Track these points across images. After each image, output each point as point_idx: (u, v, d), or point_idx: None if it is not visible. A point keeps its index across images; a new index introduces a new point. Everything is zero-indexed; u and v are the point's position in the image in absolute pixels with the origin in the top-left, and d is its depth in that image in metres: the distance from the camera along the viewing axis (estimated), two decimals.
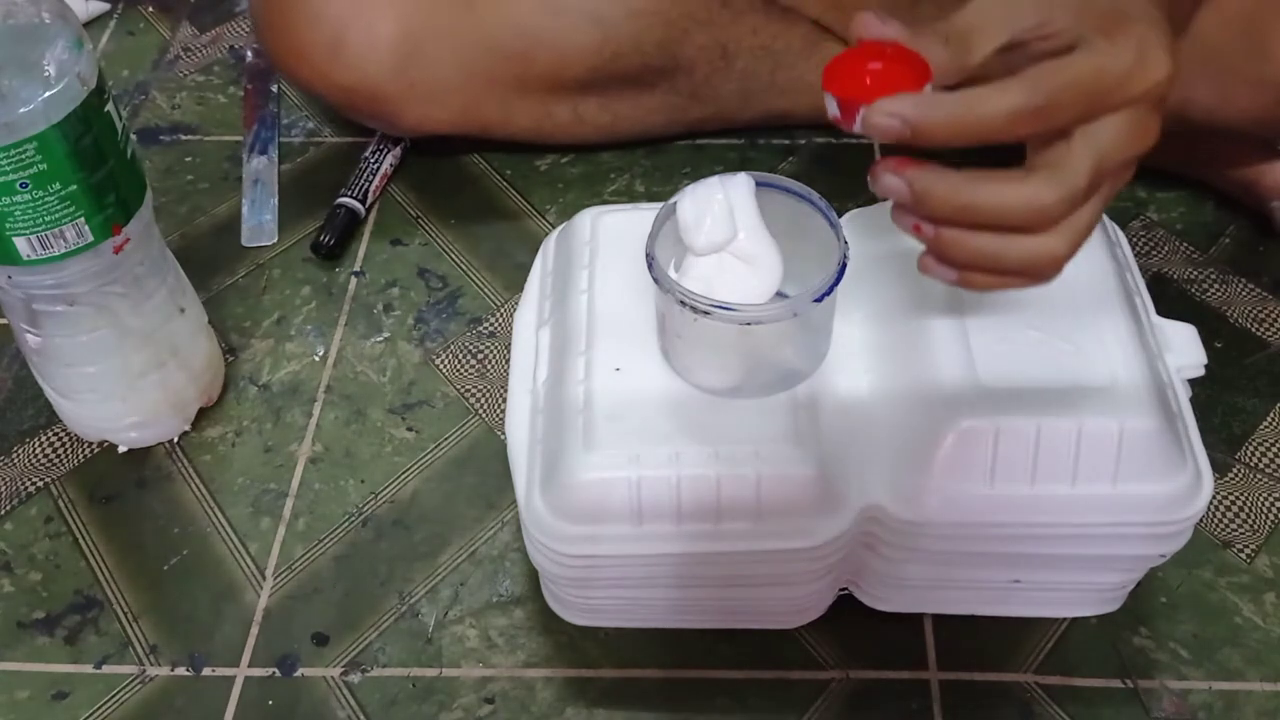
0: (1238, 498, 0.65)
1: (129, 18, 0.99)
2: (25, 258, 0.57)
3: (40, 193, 0.54)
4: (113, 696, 0.60)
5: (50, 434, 0.70)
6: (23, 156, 0.53)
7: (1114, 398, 0.50)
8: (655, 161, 0.85)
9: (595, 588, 0.55)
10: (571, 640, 0.61)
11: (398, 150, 0.84)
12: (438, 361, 0.74)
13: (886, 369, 0.53)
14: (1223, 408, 0.69)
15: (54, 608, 0.63)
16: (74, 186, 0.55)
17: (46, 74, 0.53)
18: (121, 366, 0.64)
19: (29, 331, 0.63)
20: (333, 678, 0.60)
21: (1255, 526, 0.64)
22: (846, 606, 0.58)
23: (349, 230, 0.80)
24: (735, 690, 0.59)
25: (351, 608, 0.63)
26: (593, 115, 0.81)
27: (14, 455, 0.70)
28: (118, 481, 0.68)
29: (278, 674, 0.60)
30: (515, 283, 0.77)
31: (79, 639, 0.62)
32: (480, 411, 0.71)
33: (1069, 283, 0.47)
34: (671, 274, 0.49)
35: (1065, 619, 0.60)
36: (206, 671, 0.61)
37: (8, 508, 0.67)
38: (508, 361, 0.66)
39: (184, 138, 0.89)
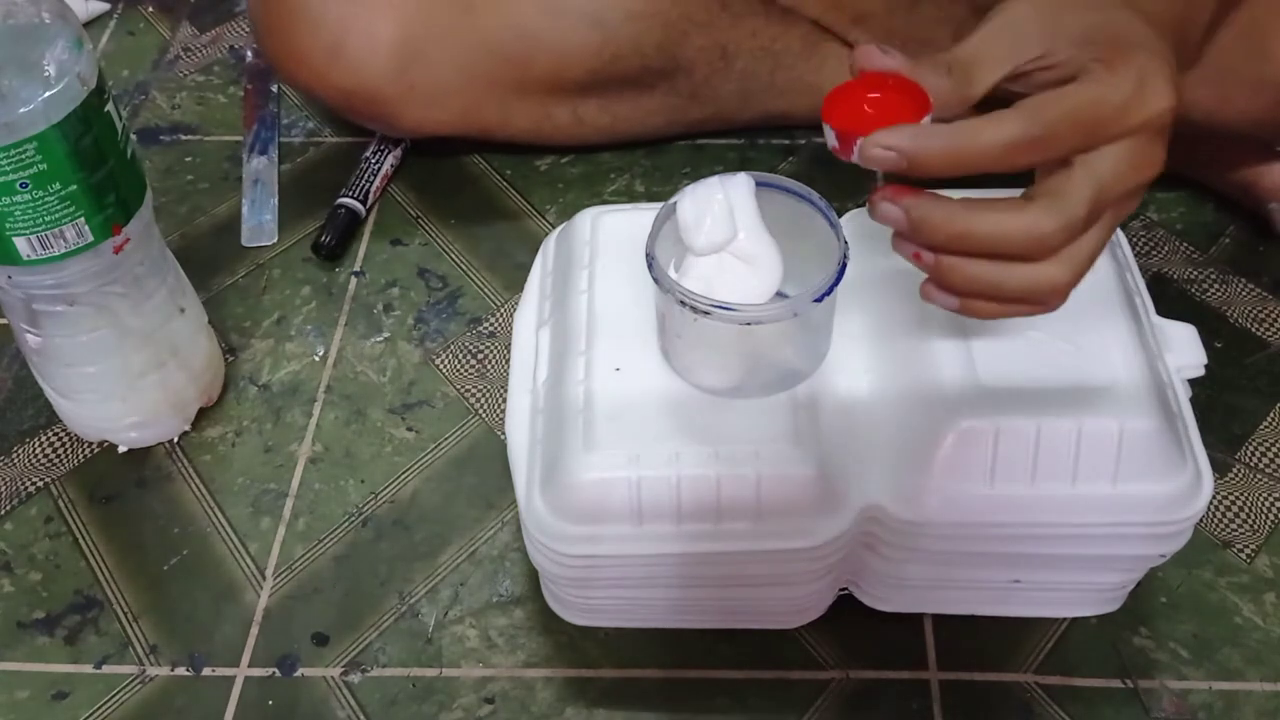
0: (1238, 498, 0.65)
1: (129, 18, 0.99)
2: (25, 258, 0.57)
3: (40, 193, 0.54)
4: (113, 696, 0.60)
5: (50, 434, 0.70)
6: (23, 156, 0.53)
7: (1114, 398, 0.50)
8: (655, 161, 0.85)
9: (595, 588, 0.55)
10: (571, 640, 0.61)
11: (398, 151, 0.84)
12: (438, 361, 0.74)
13: (886, 369, 0.53)
14: (1223, 408, 0.69)
15: (54, 608, 0.63)
16: (74, 186, 0.55)
17: (46, 74, 0.53)
18: (121, 366, 0.64)
19: (29, 331, 0.63)
20: (333, 678, 0.60)
21: (1255, 526, 0.64)
22: (846, 606, 0.58)
23: (349, 231, 0.80)
24: (735, 690, 0.59)
25: (351, 608, 0.63)
26: (592, 117, 0.81)
27: (14, 455, 0.70)
28: (118, 481, 0.68)
29: (278, 674, 0.60)
30: (515, 283, 0.77)
31: (79, 639, 0.62)
32: (480, 411, 0.71)
33: None
34: (671, 274, 0.49)
35: (1065, 619, 0.60)
36: (206, 671, 0.61)
37: (8, 508, 0.67)
38: (508, 361, 0.67)
39: (184, 138, 0.89)
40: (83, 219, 0.57)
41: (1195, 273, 0.76)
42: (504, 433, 0.56)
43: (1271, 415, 0.69)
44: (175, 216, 0.83)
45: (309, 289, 0.78)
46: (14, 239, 0.56)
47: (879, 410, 0.52)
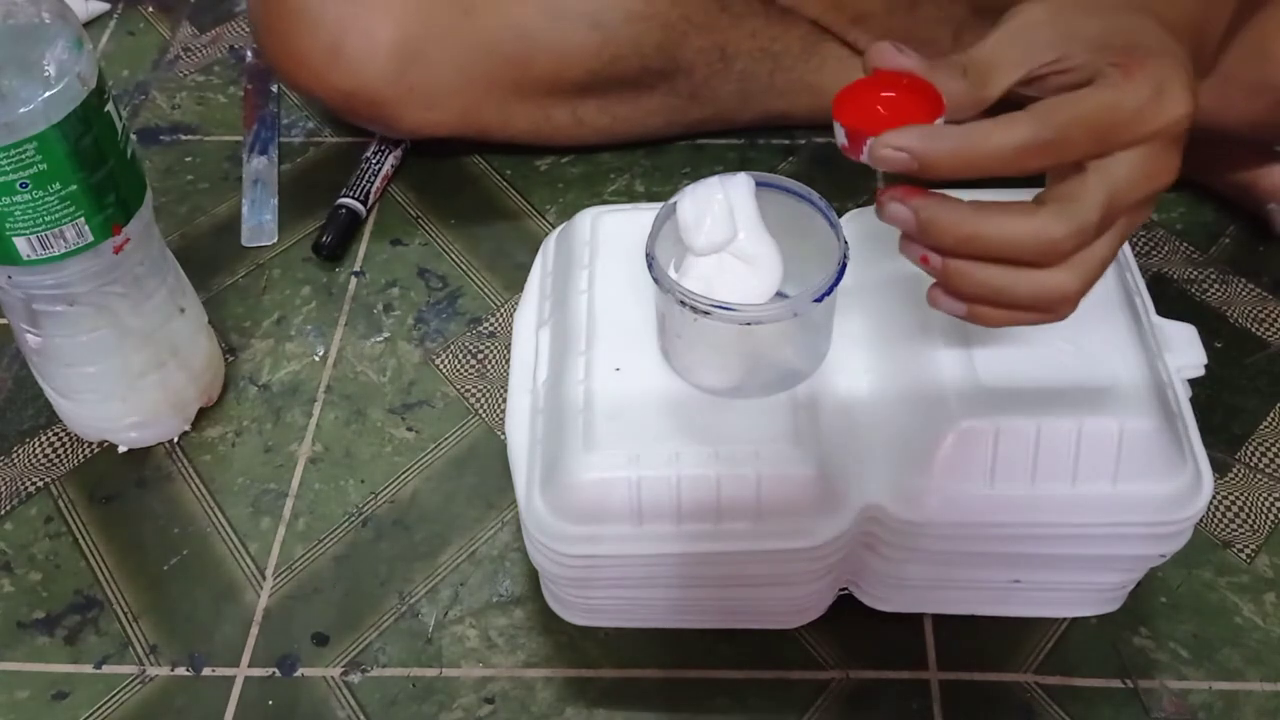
0: (1238, 498, 0.65)
1: (129, 18, 0.99)
2: (25, 258, 0.57)
3: (40, 193, 0.54)
4: (113, 696, 0.60)
5: (50, 434, 0.70)
6: (23, 156, 0.53)
7: (1114, 398, 0.50)
8: (655, 161, 0.85)
9: (595, 588, 0.55)
10: (571, 640, 0.61)
11: (399, 151, 0.84)
12: (438, 361, 0.74)
13: (886, 369, 0.53)
14: (1223, 408, 0.69)
15: (54, 608, 0.63)
16: (74, 186, 0.55)
17: (46, 74, 0.53)
18: (121, 366, 0.64)
19: (29, 331, 0.63)
20: (333, 678, 0.60)
21: (1255, 526, 0.64)
22: (846, 606, 0.58)
23: (350, 231, 0.80)
24: (735, 690, 0.59)
25: (351, 608, 0.63)
26: (592, 117, 0.81)
27: (14, 455, 0.70)
28: (118, 481, 0.68)
29: (278, 674, 0.60)
30: (515, 283, 0.77)
31: (79, 639, 0.62)
32: (480, 411, 0.71)
33: None
34: (671, 274, 0.49)
35: (1065, 619, 0.60)
36: (206, 671, 0.61)
37: (8, 508, 0.67)
38: (508, 361, 0.67)
39: (184, 138, 0.89)
40: (83, 219, 0.57)
41: (1195, 273, 0.76)
42: (504, 433, 0.56)
43: (1271, 415, 0.69)
44: (175, 216, 0.83)
45: (309, 289, 0.78)
46: (14, 239, 0.56)
47: (879, 410, 0.52)
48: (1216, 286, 0.76)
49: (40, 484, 0.68)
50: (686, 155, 0.85)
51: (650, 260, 0.49)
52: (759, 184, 0.50)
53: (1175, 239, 0.78)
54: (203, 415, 0.71)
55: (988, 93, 0.43)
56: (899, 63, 0.43)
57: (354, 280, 0.79)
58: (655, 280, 0.49)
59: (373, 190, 0.82)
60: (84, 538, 0.66)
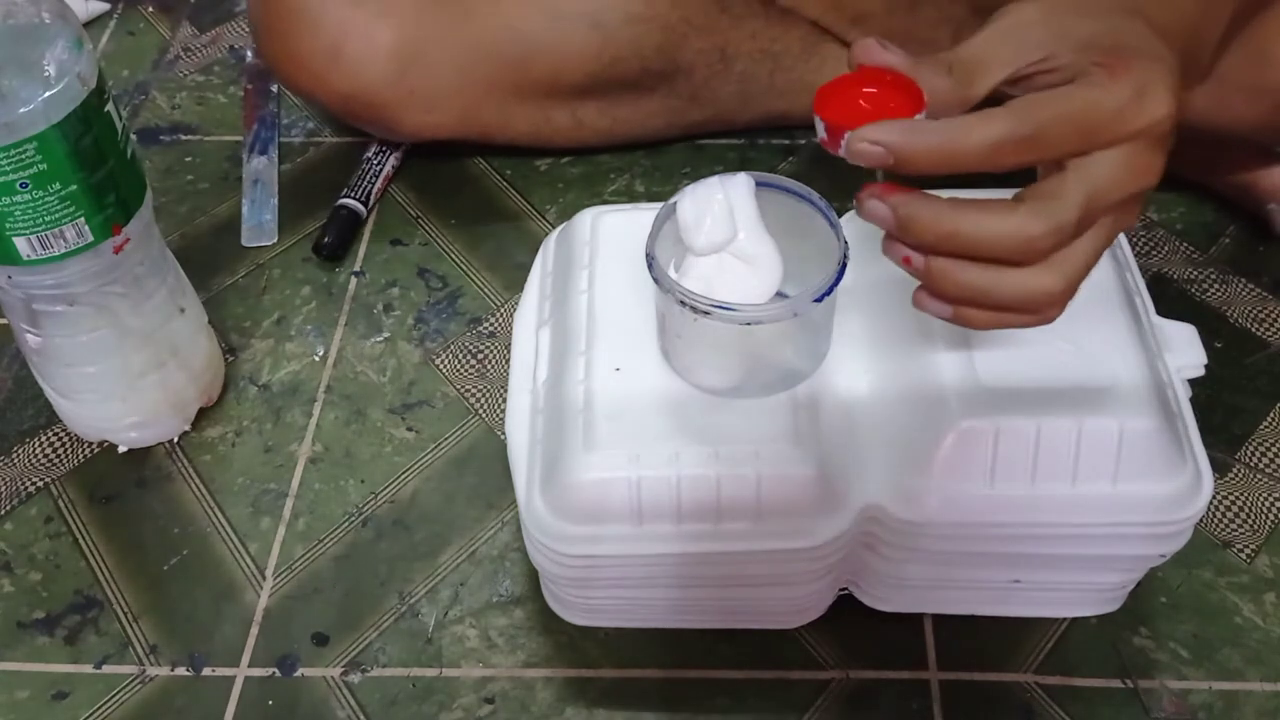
0: (1238, 498, 0.65)
1: (129, 18, 0.99)
2: (25, 258, 0.57)
3: (40, 193, 0.54)
4: (113, 696, 0.60)
5: (50, 434, 0.70)
6: (23, 156, 0.53)
7: (1114, 398, 0.50)
8: (655, 162, 0.85)
9: (595, 588, 0.55)
10: (571, 640, 0.61)
11: (399, 152, 0.84)
12: (438, 361, 0.74)
13: (886, 369, 0.53)
14: (1223, 408, 0.69)
15: (54, 608, 0.63)
16: (74, 186, 0.55)
17: (46, 74, 0.53)
18: (121, 366, 0.64)
19: (29, 331, 0.63)
20: (333, 678, 0.60)
21: (1255, 526, 0.64)
22: (846, 606, 0.58)
23: (350, 231, 0.80)
24: (735, 690, 0.59)
25: (351, 608, 0.63)
26: (592, 119, 0.81)
27: (14, 455, 0.70)
28: (118, 481, 0.68)
29: (278, 674, 0.60)
30: (515, 283, 0.77)
31: (79, 639, 0.62)
32: (480, 411, 0.71)
33: None
34: (671, 274, 0.49)
35: (1065, 619, 0.60)
36: (206, 671, 0.61)
37: (8, 508, 0.67)
38: (508, 361, 0.67)
39: (184, 138, 0.89)
40: (83, 219, 0.57)
41: (1195, 273, 0.76)
42: (504, 433, 0.56)
43: (1271, 415, 0.69)
44: (175, 216, 0.83)
45: (309, 289, 0.78)
46: (14, 239, 0.56)
47: (879, 410, 0.52)
48: (1216, 286, 0.76)
49: (40, 484, 0.68)
50: (686, 155, 0.85)
51: (650, 260, 0.49)
52: (759, 184, 0.50)
53: (1175, 239, 0.78)
54: (203, 415, 0.71)
55: (974, 91, 0.43)
56: (883, 59, 0.43)
57: (354, 280, 0.79)
58: (655, 280, 0.49)
59: (374, 191, 0.82)
60: (84, 538, 0.66)
